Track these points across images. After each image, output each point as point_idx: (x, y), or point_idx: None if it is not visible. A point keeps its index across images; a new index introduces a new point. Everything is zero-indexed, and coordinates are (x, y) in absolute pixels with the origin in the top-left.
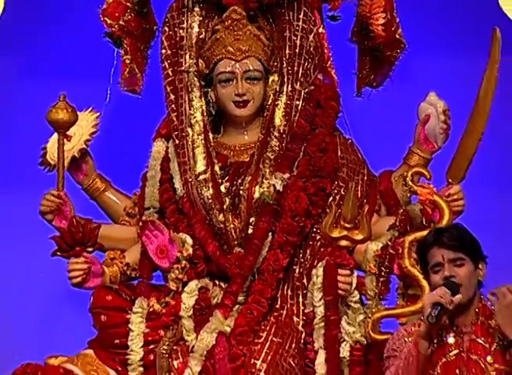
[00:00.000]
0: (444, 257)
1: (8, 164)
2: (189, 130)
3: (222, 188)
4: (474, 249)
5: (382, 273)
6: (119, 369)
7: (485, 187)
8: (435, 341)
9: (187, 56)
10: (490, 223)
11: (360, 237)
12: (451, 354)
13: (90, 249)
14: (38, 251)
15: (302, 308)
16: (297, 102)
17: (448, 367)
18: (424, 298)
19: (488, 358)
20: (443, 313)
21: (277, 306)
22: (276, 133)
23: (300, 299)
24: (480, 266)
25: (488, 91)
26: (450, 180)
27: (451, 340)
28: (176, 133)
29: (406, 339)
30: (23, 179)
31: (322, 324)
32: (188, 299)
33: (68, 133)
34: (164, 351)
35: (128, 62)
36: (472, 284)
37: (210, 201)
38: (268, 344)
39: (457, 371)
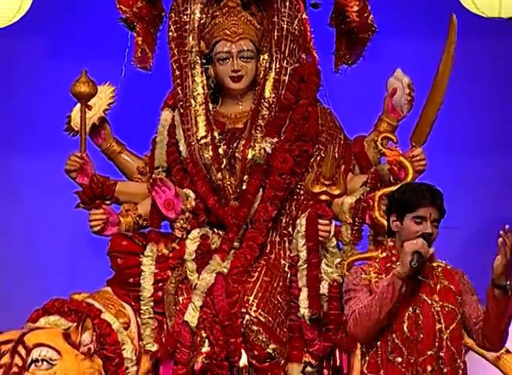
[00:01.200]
0: (431, 215)
1: (39, 130)
2: (192, 101)
3: (220, 151)
4: (442, 212)
5: (356, 223)
6: (133, 303)
7: (443, 150)
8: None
9: (190, 38)
10: (448, 181)
11: (337, 192)
12: (408, 295)
13: (108, 202)
14: (65, 203)
15: (288, 252)
16: (284, 77)
17: (402, 303)
18: (405, 245)
19: (436, 297)
20: (422, 261)
21: (267, 251)
22: (266, 104)
23: (286, 245)
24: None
25: (446, 69)
26: (414, 144)
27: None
28: (181, 103)
29: (363, 276)
30: (52, 143)
31: (305, 266)
32: (191, 245)
33: (89, 103)
34: (171, 289)
35: (140, 43)
36: (435, 235)
37: (210, 161)
38: (259, 282)
39: (410, 309)
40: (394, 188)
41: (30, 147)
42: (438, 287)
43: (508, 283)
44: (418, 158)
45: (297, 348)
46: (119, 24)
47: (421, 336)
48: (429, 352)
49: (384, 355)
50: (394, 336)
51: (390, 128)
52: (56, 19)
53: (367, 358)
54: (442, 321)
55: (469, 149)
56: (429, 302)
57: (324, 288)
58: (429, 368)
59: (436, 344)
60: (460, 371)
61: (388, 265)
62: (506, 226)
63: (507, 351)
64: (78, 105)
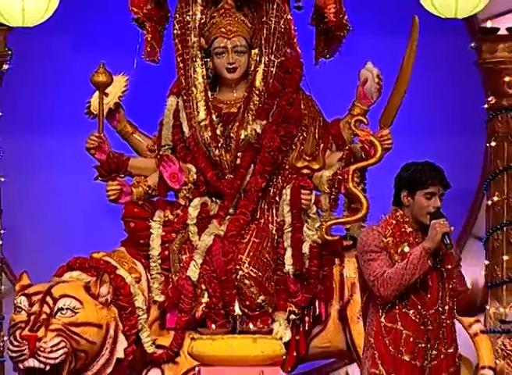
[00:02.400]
0: (439, 191)
1: (64, 114)
2: (193, 89)
3: (218, 131)
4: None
5: (333, 193)
6: (143, 261)
7: (407, 131)
8: (405, 244)
9: (192, 35)
10: (410, 159)
11: (317, 166)
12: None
13: (122, 175)
14: (85, 176)
15: (275, 218)
16: (272, 69)
17: (429, 278)
18: (435, 226)
19: (437, 259)
20: (448, 239)
21: (257, 217)
22: (257, 92)
23: (274, 211)
24: None
25: (409, 62)
26: (382, 125)
27: (406, 249)
28: (184, 91)
29: (383, 239)
30: (74, 125)
31: (290, 229)
32: (193, 211)
33: (106, 91)
34: (175, 249)
35: (149, 39)
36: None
37: (209, 140)
38: (250, 243)
39: (432, 280)
40: (366, 163)
41: (55, 128)
42: (441, 250)
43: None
44: (386, 138)
45: (283, 299)
46: (131, 23)
47: (429, 293)
48: (434, 308)
49: (400, 307)
50: (411, 293)
51: (362, 112)
52: (78, 19)
53: (385, 311)
54: (444, 279)
55: (427, 131)
56: (441, 270)
57: (305, 248)
58: (434, 323)
59: (440, 300)
60: (453, 326)
61: (403, 230)
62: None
63: (482, 332)
64: (96, 93)
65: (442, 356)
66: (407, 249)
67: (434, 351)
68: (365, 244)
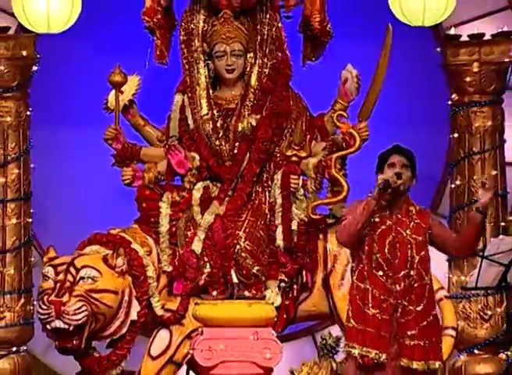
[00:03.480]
0: (399, 161)
1: (84, 109)
2: (197, 87)
3: (218, 124)
4: (414, 165)
5: (318, 177)
6: (154, 236)
7: (382, 124)
8: (375, 216)
9: (196, 41)
10: (384, 148)
11: (304, 154)
12: (386, 225)
13: (135, 162)
14: (104, 163)
15: (268, 199)
16: (265, 70)
17: (384, 232)
18: (378, 177)
19: (408, 231)
20: (388, 187)
21: (252, 198)
22: (252, 90)
23: (267, 194)
24: (414, 179)
25: (383, 65)
26: (360, 119)
27: (386, 214)
28: (189, 89)
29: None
30: (94, 118)
31: (280, 209)
32: (196, 193)
33: (121, 89)
34: (181, 226)
35: (159, 44)
36: (408, 183)
37: (210, 132)
38: (246, 221)
39: (389, 236)
40: (346, 152)
41: (77, 122)
42: (411, 224)
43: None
44: (363, 130)
45: (274, 269)
46: (144, 31)
47: (397, 259)
48: (403, 272)
49: (369, 268)
50: (378, 256)
51: (343, 108)
52: (98, 26)
53: (356, 272)
54: (413, 249)
55: (400, 124)
56: (404, 235)
57: (294, 225)
58: (402, 283)
59: (408, 265)
60: (427, 286)
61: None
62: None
63: (446, 297)
64: (113, 91)
65: (411, 314)
66: (377, 220)
67: (402, 309)
68: (344, 214)
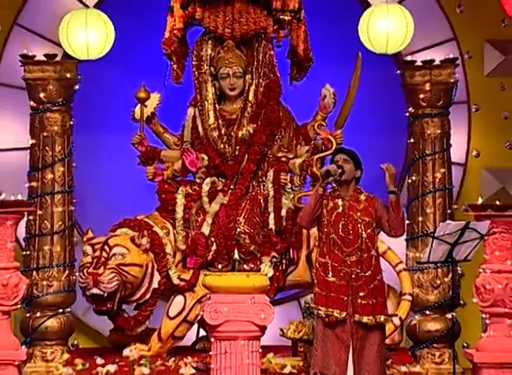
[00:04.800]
0: (341, 157)
1: (116, 119)
2: (205, 102)
3: (222, 132)
4: (354, 159)
5: (302, 174)
6: (171, 221)
7: (354, 131)
8: (331, 202)
9: (205, 65)
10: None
11: (291, 156)
12: (339, 210)
13: (156, 162)
14: (131, 163)
15: (262, 191)
16: (260, 89)
17: (338, 216)
18: (321, 170)
19: (358, 214)
20: (329, 175)
21: (250, 190)
22: (250, 104)
23: (261, 187)
24: (358, 170)
25: (354, 85)
26: (336, 127)
27: (340, 202)
28: (199, 103)
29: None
30: (123, 127)
31: (272, 199)
32: (205, 187)
33: (145, 103)
34: (193, 213)
35: (175, 68)
36: (350, 174)
37: (216, 138)
38: (245, 209)
39: (342, 219)
40: (325, 154)
41: (110, 130)
42: (361, 207)
43: (394, 189)
44: (339, 136)
45: (267, 248)
46: (163, 57)
47: (350, 236)
48: (355, 245)
49: (328, 246)
50: (334, 236)
51: (322, 118)
52: (126, 54)
53: (318, 249)
54: (362, 228)
55: (368, 132)
56: (355, 217)
57: (283, 212)
58: (354, 255)
59: (359, 241)
60: (374, 257)
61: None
62: (385, 165)
63: (404, 269)
64: (139, 105)
65: (362, 279)
66: (332, 206)
67: (355, 275)
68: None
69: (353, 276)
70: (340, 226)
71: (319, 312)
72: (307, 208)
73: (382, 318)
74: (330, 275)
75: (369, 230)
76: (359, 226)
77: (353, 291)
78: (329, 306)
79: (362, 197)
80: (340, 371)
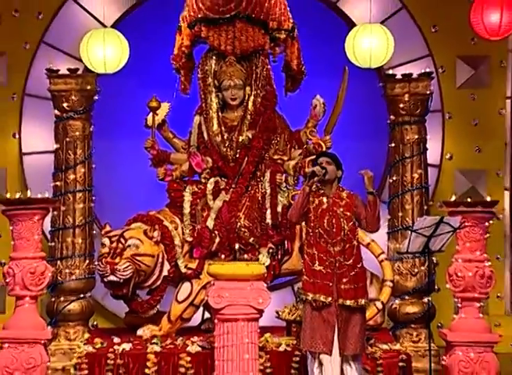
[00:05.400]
0: (323, 159)
1: (130, 126)
2: (210, 111)
3: (225, 137)
4: (336, 161)
5: (296, 175)
6: (179, 216)
7: (342, 137)
8: (316, 200)
9: (209, 78)
10: (342, 154)
11: (286, 158)
12: (324, 206)
13: (166, 164)
14: (144, 164)
15: (260, 190)
16: (258, 99)
17: (323, 211)
18: (306, 171)
19: (341, 209)
20: (314, 176)
21: (249, 189)
22: (249, 112)
23: (259, 186)
24: (339, 171)
25: (342, 96)
26: (325, 133)
27: (324, 199)
28: (204, 112)
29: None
30: (137, 133)
31: (269, 197)
32: (210, 186)
33: (156, 112)
34: (199, 209)
35: (183, 80)
36: (333, 174)
37: (219, 142)
38: (245, 206)
39: (327, 216)
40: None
41: (125, 135)
42: (343, 203)
43: (373, 190)
44: (328, 141)
45: (265, 240)
46: (172, 71)
47: (334, 229)
48: (338, 237)
49: (315, 238)
50: (320, 229)
51: (313, 125)
52: (140, 68)
53: (306, 242)
54: (344, 222)
55: (355, 137)
56: (338, 212)
57: (279, 209)
58: (338, 246)
59: (342, 233)
60: (355, 247)
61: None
62: (364, 171)
63: (386, 259)
64: (151, 113)
65: (345, 267)
66: (317, 203)
67: (339, 264)
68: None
69: (336, 264)
70: (325, 221)
71: (307, 297)
72: (295, 205)
73: (363, 301)
74: (317, 264)
75: (351, 224)
76: (342, 220)
77: (337, 277)
78: (316, 292)
79: (344, 194)
80: (327, 349)
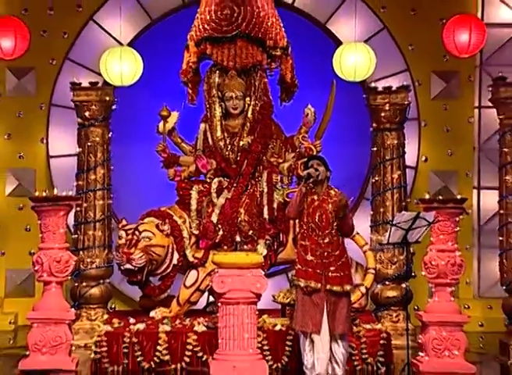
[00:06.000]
0: (314, 162)
1: (144, 132)
2: (214, 119)
3: (227, 142)
4: (325, 163)
5: (289, 175)
6: (187, 212)
7: (330, 142)
8: (309, 197)
9: (213, 90)
10: (331, 157)
11: (281, 161)
12: (316, 203)
13: (175, 166)
14: (156, 166)
15: (258, 188)
16: (257, 108)
17: (315, 208)
18: (303, 173)
19: (330, 206)
20: (310, 178)
21: (249, 188)
22: (249, 120)
23: (258, 185)
24: (327, 172)
25: (330, 106)
26: (316, 138)
27: (316, 197)
28: (209, 120)
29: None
30: (150, 138)
31: (266, 195)
32: (214, 185)
33: (167, 120)
34: (204, 205)
35: (190, 92)
36: (323, 174)
37: (222, 147)
38: (245, 202)
39: (318, 212)
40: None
41: (139, 140)
42: (332, 201)
43: (342, 215)
44: (318, 145)
45: (262, 232)
46: (181, 84)
47: (323, 224)
48: (327, 231)
49: (307, 231)
50: (312, 224)
51: (305, 131)
52: (152, 81)
53: (299, 234)
54: (333, 217)
55: (342, 142)
56: (326, 208)
57: (275, 205)
58: (327, 238)
59: (330, 227)
60: (341, 240)
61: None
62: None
63: (369, 249)
64: (162, 121)
65: (332, 257)
66: (310, 201)
67: (327, 254)
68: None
69: (325, 254)
70: (316, 216)
71: (300, 283)
72: (293, 203)
73: (348, 287)
74: (309, 254)
75: (338, 221)
76: (330, 215)
77: (325, 266)
78: (308, 279)
79: (332, 192)
80: (316, 329)
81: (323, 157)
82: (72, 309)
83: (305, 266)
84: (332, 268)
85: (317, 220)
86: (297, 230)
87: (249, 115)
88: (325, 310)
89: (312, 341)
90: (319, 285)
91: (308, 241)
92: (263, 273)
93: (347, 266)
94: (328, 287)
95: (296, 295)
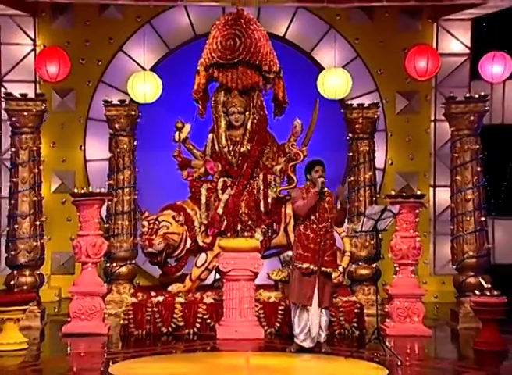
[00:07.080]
0: (320, 169)
1: (163, 141)
2: (220, 130)
3: (231, 149)
4: (324, 167)
5: (281, 176)
6: (198, 206)
7: (315, 148)
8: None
9: (220, 106)
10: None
11: (274, 164)
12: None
13: (188, 168)
14: (173, 167)
15: (256, 187)
16: (254, 121)
17: (315, 205)
18: (320, 182)
19: (326, 203)
20: (323, 185)
21: (248, 186)
22: (248, 131)
23: (255, 184)
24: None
25: (314, 120)
26: (303, 146)
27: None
28: (216, 131)
29: (304, 191)
30: (167, 146)
31: (262, 192)
32: (219, 184)
33: (181, 130)
34: (212, 200)
35: (200, 108)
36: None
37: (226, 152)
38: (245, 198)
39: (317, 208)
40: (295, 163)
41: (159, 148)
42: (327, 199)
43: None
44: (304, 151)
45: (259, 222)
46: (193, 101)
47: (321, 217)
48: (323, 223)
49: (309, 224)
50: (313, 217)
51: (294, 140)
52: (169, 99)
53: (301, 225)
54: (328, 212)
55: (324, 149)
56: (325, 207)
57: (269, 200)
58: (324, 229)
59: (325, 220)
60: (333, 231)
61: (310, 190)
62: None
63: (346, 236)
64: (177, 132)
65: (328, 244)
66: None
67: (323, 242)
68: (296, 192)
69: (322, 243)
70: (317, 214)
71: (301, 265)
72: (307, 205)
73: (337, 269)
74: (310, 241)
75: (331, 214)
76: (326, 211)
77: (321, 252)
78: (308, 262)
79: (328, 194)
80: (309, 302)
81: (323, 161)
82: (105, 284)
83: (306, 251)
84: (326, 253)
85: (317, 214)
86: (287, 219)
87: (248, 126)
88: (316, 287)
89: (301, 312)
90: (316, 267)
91: (310, 231)
92: (259, 255)
93: (336, 252)
94: (322, 268)
95: (294, 274)
